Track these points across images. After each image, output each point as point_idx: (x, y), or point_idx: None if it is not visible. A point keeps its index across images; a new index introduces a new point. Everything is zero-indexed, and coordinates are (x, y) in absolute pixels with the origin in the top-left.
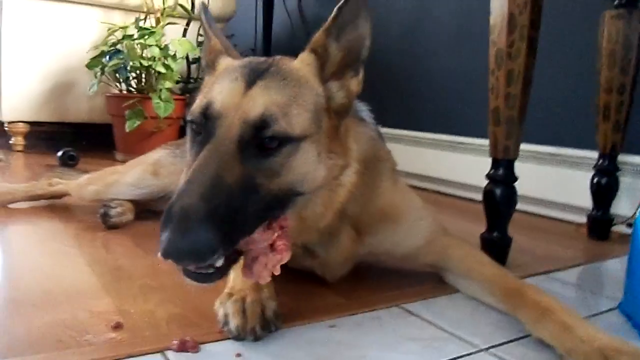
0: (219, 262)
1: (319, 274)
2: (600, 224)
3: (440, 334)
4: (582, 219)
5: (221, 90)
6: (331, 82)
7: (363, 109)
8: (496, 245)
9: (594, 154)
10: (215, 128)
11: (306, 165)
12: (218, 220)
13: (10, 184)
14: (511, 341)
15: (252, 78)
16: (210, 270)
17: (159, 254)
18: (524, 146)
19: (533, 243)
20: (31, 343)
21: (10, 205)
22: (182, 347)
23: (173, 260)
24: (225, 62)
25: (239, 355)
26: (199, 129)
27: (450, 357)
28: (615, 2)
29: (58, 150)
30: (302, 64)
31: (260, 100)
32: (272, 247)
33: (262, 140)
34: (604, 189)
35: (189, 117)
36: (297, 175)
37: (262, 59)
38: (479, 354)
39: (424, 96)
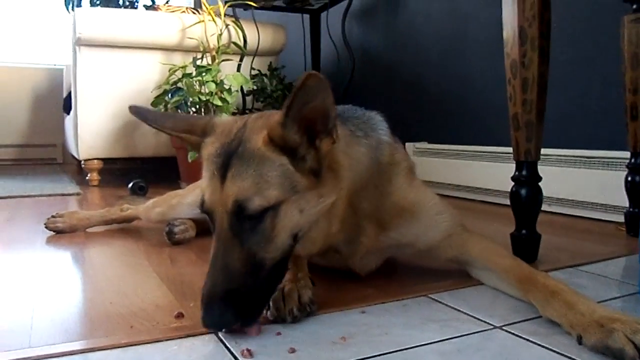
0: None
1: (352, 269)
2: (636, 221)
3: (460, 315)
4: (622, 219)
5: (206, 187)
6: (298, 149)
7: (377, 121)
8: (525, 242)
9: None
10: (213, 220)
11: (292, 223)
12: (234, 297)
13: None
14: (524, 320)
15: (224, 171)
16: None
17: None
18: (559, 152)
19: (568, 241)
20: (108, 328)
21: (88, 230)
22: (231, 329)
23: (210, 329)
24: (207, 150)
25: (279, 333)
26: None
27: (466, 333)
28: (634, 7)
29: (129, 183)
30: (263, 143)
31: (233, 192)
32: None
33: (246, 217)
34: (638, 186)
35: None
36: (287, 233)
37: (233, 132)
38: (493, 330)
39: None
